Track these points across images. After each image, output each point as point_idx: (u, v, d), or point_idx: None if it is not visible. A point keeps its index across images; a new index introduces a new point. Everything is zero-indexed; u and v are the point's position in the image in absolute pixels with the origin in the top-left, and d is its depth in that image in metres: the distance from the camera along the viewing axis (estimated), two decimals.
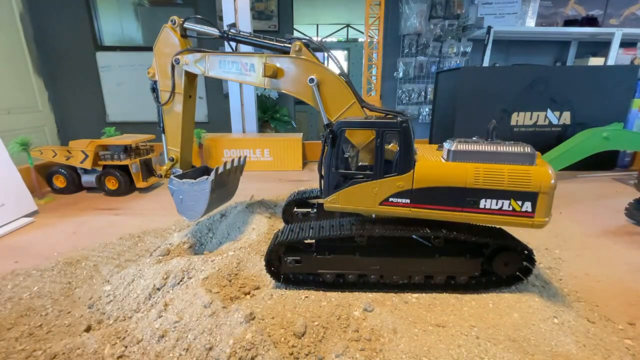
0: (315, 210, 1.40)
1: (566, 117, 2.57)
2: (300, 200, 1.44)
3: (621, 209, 1.72)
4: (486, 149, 0.94)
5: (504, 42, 3.44)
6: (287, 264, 1.05)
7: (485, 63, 3.18)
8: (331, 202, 1.04)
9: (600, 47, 3.40)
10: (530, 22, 3.26)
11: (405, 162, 0.95)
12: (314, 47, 1.16)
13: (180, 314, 0.91)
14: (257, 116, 3.12)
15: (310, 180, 2.47)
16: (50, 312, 1.01)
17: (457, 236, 0.98)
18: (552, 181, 0.89)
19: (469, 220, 0.96)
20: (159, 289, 1.06)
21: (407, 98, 3.62)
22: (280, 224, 1.53)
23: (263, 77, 1.16)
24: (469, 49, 3.41)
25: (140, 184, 2.17)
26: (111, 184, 2.12)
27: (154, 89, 1.30)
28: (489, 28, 3.06)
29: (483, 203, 0.93)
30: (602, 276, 1.21)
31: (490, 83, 2.53)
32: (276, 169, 2.80)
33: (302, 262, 1.05)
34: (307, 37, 1.16)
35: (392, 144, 1.08)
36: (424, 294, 1.05)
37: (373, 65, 3.40)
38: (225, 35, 1.20)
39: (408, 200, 0.97)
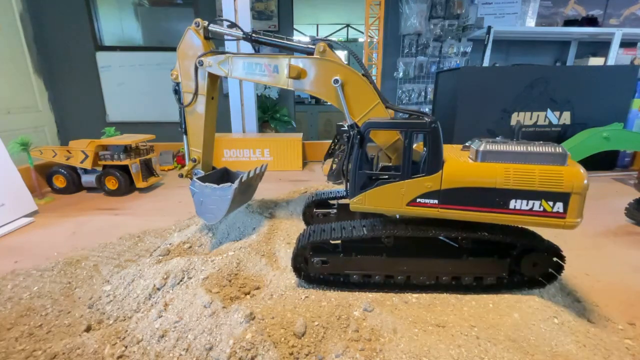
0: (335, 210, 1.41)
1: (566, 117, 2.57)
2: (320, 201, 1.45)
3: (621, 209, 1.72)
4: (516, 149, 0.92)
5: (504, 42, 3.44)
6: (314, 264, 1.05)
7: (485, 63, 3.18)
8: (357, 203, 1.04)
9: (600, 47, 3.40)
10: (530, 22, 3.25)
11: (434, 162, 0.95)
12: (337, 48, 1.17)
13: (180, 314, 0.91)
14: (257, 116, 3.11)
15: (310, 180, 2.47)
16: (50, 312, 1.01)
17: (487, 237, 0.97)
18: (585, 181, 0.87)
19: (498, 221, 0.95)
20: (159, 289, 1.06)
21: (407, 98, 3.62)
22: (280, 224, 1.53)
23: (287, 79, 1.16)
24: (469, 49, 3.41)
25: (140, 184, 2.17)
26: (111, 184, 2.12)
27: (177, 91, 1.30)
28: (489, 28, 3.06)
29: (513, 204, 0.91)
30: (602, 276, 1.21)
31: (490, 83, 2.52)
32: (276, 169, 2.80)
33: (329, 262, 1.06)
34: (327, 40, 1.16)
35: (416, 144, 1.08)
36: (424, 294, 1.05)
37: (373, 65, 3.40)
38: (249, 36, 1.20)
39: (436, 201, 0.96)
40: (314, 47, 1.15)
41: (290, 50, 1.20)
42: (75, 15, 3.19)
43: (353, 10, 5.33)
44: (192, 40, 1.24)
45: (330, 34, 6.35)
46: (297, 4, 3.55)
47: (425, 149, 0.96)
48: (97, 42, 3.30)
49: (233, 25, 1.25)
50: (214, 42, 1.31)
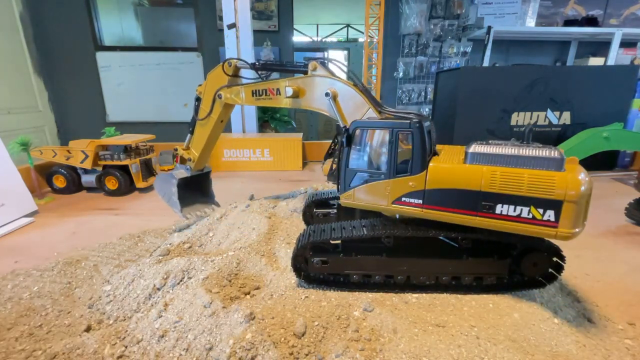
0: (335, 210, 1.43)
1: (566, 117, 2.57)
2: (320, 201, 1.47)
3: (621, 209, 1.72)
4: (507, 152, 0.89)
5: (504, 42, 3.44)
6: (314, 264, 1.06)
7: (485, 63, 3.18)
8: (346, 198, 1.07)
9: (600, 47, 3.40)
10: (530, 22, 3.25)
11: (418, 162, 0.95)
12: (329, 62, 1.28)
13: (180, 314, 0.91)
14: (257, 116, 3.12)
15: (311, 180, 2.47)
16: (50, 312, 1.01)
17: (487, 237, 0.96)
18: (582, 189, 0.81)
19: (484, 226, 0.92)
20: (159, 289, 1.06)
21: (407, 98, 3.62)
22: (280, 224, 1.53)
23: (286, 98, 1.29)
24: (469, 49, 3.41)
25: (140, 184, 2.17)
26: (111, 184, 2.12)
27: (198, 100, 1.47)
28: (489, 28, 3.06)
29: (499, 208, 0.88)
30: (602, 276, 1.21)
31: (490, 83, 2.53)
32: (276, 169, 2.80)
33: (329, 262, 1.06)
34: (322, 58, 1.27)
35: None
36: (424, 294, 1.05)
37: (373, 65, 3.40)
38: (255, 65, 1.37)
39: (420, 201, 0.96)
40: (307, 67, 1.26)
41: (289, 72, 1.33)
42: (75, 15, 3.19)
43: (353, 10, 5.32)
44: (220, 74, 1.40)
45: (330, 34, 6.35)
46: (297, 4, 3.55)
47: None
48: (97, 42, 3.30)
49: (244, 62, 1.42)
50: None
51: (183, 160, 1.54)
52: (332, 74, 1.24)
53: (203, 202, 1.61)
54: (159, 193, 1.55)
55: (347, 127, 1.04)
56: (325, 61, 1.26)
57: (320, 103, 1.24)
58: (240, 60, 1.40)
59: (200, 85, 1.47)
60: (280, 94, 1.30)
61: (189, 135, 1.52)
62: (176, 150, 1.53)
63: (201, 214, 1.59)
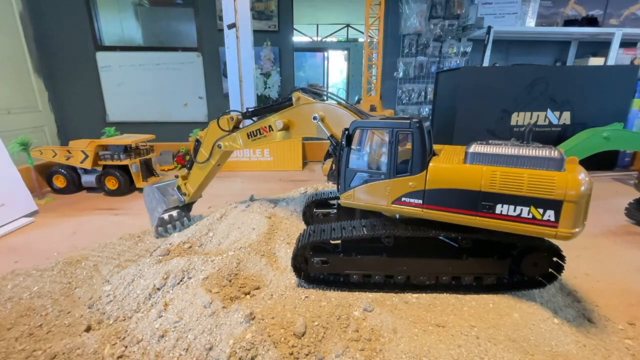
0: (335, 210, 1.44)
1: (566, 117, 2.57)
2: (320, 201, 1.48)
3: (621, 209, 1.72)
4: (507, 152, 0.89)
5: (504, 42, 3.44)
6: (314, 264, 1.06)
7: (485, 63, 3.17)
8: (346, 198, 1.08)
9: (600, 47, 3.39)
10: (530, 22, 3.25)
11: (418, 162, 0.95)
12: (312, 89, 1.34)
13: (180, 314, 0.91)
14: None
15: (311, 180, 2.47)
16: (50, 312, 1.01)
17: (487, 237, 0.96)
18: (582, 189, 0.81)
19: (483, 226, 0.92)
20: (159, 289, 1.06)
21: (407, 98, 3.62)
22: (280, 224, 1.53)
23: (279, 132, 1.35)
24: (469, 49, 3.40)
25: (140, 184, 2.17)
26: (111, 184, 2.12)
27: (198, 142, 1.54)
28: (489, 28, 3.06)
29: (499, 208, 0.88)
30: (602, 276, 1.21)
31: (490, 83, 2.52)
32: (276, 169, 2.80)
33: (329, 262, 1.06)
34: (302, 88, 1.34)
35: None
36: (424, 294, 1.05)
37: (373, 65, 3.40)
38: (246, 114, 1.46)
39: (420, 201, 0.96)
40: (291, 100, 1.31)
41: (276, 110, 1.37)
42: (75, 15, 3.19)
43: (353, 10, 5.32)
44: (220, 127, 1.46)
45: (330, 34, 6.35)
46: (297, 4, 3.55)
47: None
48: (97, 42, 3.30)
49: (244, 114, 1.48)
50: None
51: (179, 188, 1.60)
52: (315, 97, 1.30)
53: (179, 214, 1.65)
54: (145, 200, 1.60)
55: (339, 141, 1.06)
56: (308, 89, 1.33)
57: (311, 128, 1.29)
58: (241, 112, 1.46)
59: (202, 130, 1.52)
60: (272, 129, 1.36)
61: (187, 171, 1.60)
62: (177, 176, 1.60)
63: (171, 227, 1.63)
